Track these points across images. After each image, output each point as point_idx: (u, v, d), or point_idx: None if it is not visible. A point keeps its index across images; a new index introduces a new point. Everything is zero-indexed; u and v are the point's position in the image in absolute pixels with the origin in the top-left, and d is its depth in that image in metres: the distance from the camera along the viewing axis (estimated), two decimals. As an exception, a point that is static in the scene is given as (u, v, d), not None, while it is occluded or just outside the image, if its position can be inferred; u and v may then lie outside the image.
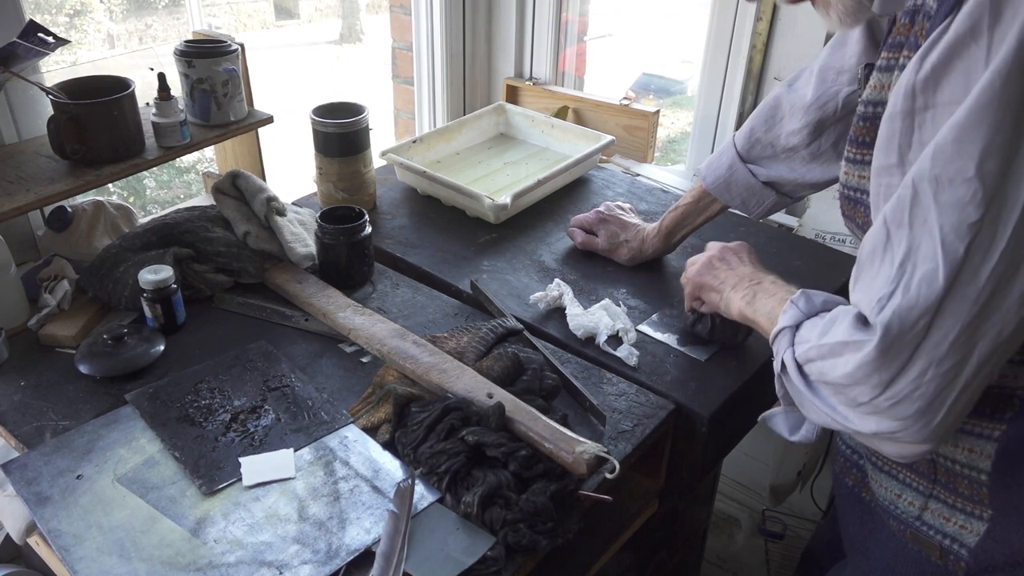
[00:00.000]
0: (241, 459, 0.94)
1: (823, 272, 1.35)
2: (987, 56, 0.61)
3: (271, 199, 1.29)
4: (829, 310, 0.78)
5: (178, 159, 1.78)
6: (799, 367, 0.77)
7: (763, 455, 1.72)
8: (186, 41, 1.30)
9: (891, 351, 0.66)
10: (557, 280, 1.25)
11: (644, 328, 1.19)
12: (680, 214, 1.29)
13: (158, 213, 1.38)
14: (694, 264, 1.09)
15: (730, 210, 1.29)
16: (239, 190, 1.32)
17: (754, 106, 1.56)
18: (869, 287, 0.69)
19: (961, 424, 0.77)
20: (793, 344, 0.78)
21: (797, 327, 0.79)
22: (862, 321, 0.70)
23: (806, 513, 1.84)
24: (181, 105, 1.26)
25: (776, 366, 0.82)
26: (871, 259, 0.70)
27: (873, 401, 0.69)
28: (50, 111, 1.16)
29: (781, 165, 1.17)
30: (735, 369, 1.12)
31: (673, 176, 1.80)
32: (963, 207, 0.62)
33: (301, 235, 1.30)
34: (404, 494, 0.88)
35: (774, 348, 0.82)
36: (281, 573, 0.82)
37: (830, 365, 0.72)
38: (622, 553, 1.17)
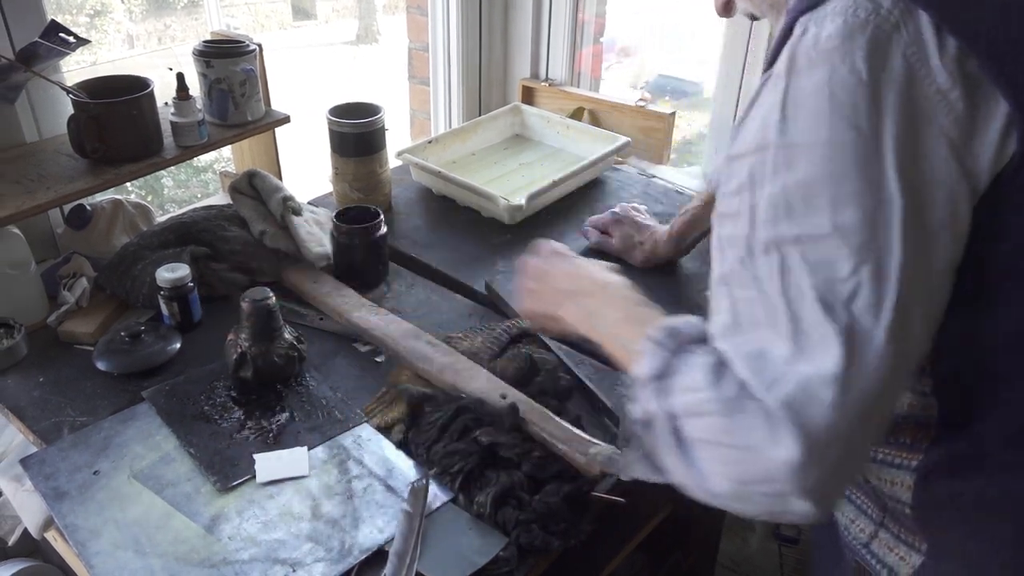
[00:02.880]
0: (255, 456, 0.95)
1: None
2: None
3: (287, 199, 1.30)
4: (703, 339, 0.63)
5: (195, 158, 1.79)
6: (672, 420, 0.61)
7: (778, 459, 1.71)
8: (204, 41, 1.31)
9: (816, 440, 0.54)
10: (572, 281, 1.24)
11: (659, 330, 1.19)
12: (690, 218, 1.28)
13: (176, 212, 1.39)
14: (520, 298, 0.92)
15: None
16: (256, 189, 1.33)
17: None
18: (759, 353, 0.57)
19: (883, 456, 0.73)
20: (666, 394, 0.63)
21: (663, 375, 0.63)
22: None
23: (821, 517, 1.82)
24: (199, 105, 1.27)
25: (638, 412, 0.65)
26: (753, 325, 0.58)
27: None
28: (70, 110, 1.17)
29: None
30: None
31: (689, 178, 1.79)
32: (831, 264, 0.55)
33: (317, 234, 1.31)
34: (417, 493, 0.88)
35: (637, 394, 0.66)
36: (294, 571, 0.82)
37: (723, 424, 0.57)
38: (635, 555, 1.17)
